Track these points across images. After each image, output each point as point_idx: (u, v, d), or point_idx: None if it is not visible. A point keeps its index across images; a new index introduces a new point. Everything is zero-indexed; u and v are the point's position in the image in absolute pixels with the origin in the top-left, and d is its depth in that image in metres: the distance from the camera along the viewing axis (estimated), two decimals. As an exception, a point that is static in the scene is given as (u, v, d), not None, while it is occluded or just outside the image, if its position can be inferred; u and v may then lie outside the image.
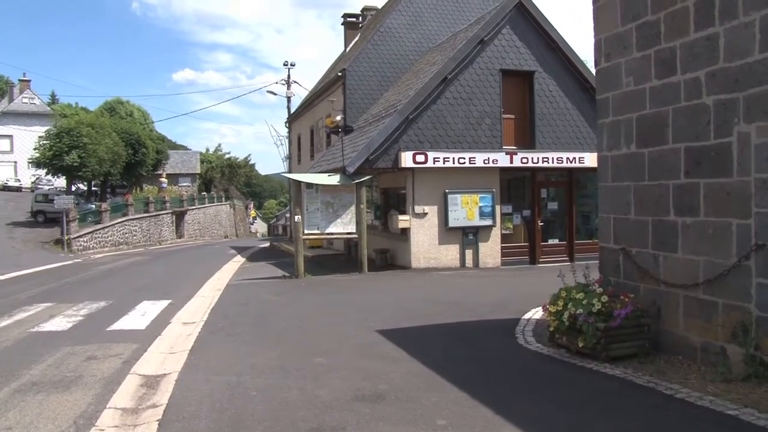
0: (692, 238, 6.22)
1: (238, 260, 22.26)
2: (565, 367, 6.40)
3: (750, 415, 4.70)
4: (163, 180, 53.90)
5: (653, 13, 6.71)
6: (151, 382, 6.26)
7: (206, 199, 56.32)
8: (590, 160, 16.10)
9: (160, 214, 40.91)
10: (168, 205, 43.01)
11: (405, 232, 16.32)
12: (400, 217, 16.22)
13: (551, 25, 17.22)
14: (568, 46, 17.33)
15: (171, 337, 8.45)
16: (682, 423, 4.74)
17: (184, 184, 64.66)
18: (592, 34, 7.78)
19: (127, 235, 34.77)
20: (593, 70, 8.52)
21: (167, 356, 7.35)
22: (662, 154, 6.61)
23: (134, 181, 48.89)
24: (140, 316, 10.23)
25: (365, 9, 31.43)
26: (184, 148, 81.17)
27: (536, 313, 8.87)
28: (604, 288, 6.82)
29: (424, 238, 16.18)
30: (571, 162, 16.86)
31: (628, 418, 4.91)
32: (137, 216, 36.86)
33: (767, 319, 5.40)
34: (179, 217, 45.19)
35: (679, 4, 6.34)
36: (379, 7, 30.82)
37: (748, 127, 5.58)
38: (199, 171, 69.28)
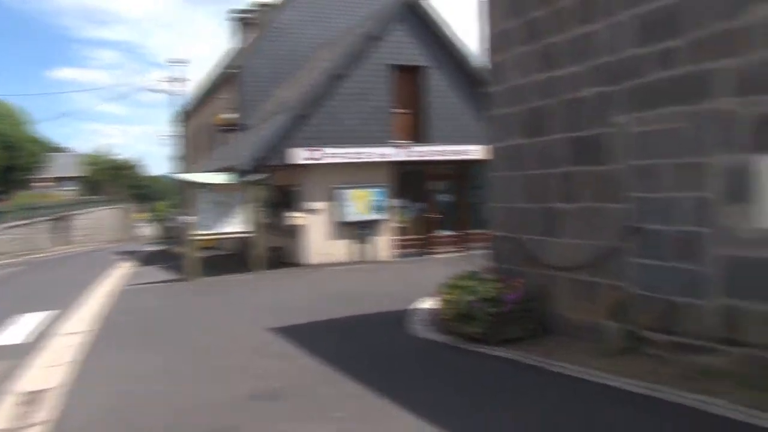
0: (576, 223, 6.53)
1: (127, 265, 21.04)
2: (459, 353, 6.52)
3: (629, 384, 5.07)
4: (45, 184, 50.31)
5: (538, 10, 6.97)
6: (33, 399, 5.70)
7: (92, 204, 52.96)
8: (481, 152, 16.54)
9: (42, 221, 37.87)
10: (51, 210, 39.98)
11: (298, 228, 16.10)
12: (294, 214, 15.99)
13: (443, 20, 17.51)
14: (459, 41, 17.70)
15: (54, 350, 7.78)
16: (570, 397, 4.97)
17: (69, 188, 60.51)
18: (481, 29, 7.97)
19: (5, 244, 31.91)
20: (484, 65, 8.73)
21: (50, 370, 6.75)
22: (547, 145, 6.89)
23: (12, 187, 45.21)
24: (19, 329, 9.37)
25: (257, 5, 30.62)
26: (69, 150, 75.76)
27: (429, 303, 8.99)
28: (496, 275, 7.01)
29: (317, 234, 16.04)
30: (462, 155, 17.27)
31: (521, 397, 5.08)
32: (16, 224, 33.88)
33: (643, 297, 5.77)
34: (64, 223, 42.14)
35: (562, 1, 6.62)
36: (271, 1, 30.16)
37: (625, 117, 5.93)
38: (84, 174, 65.02)
